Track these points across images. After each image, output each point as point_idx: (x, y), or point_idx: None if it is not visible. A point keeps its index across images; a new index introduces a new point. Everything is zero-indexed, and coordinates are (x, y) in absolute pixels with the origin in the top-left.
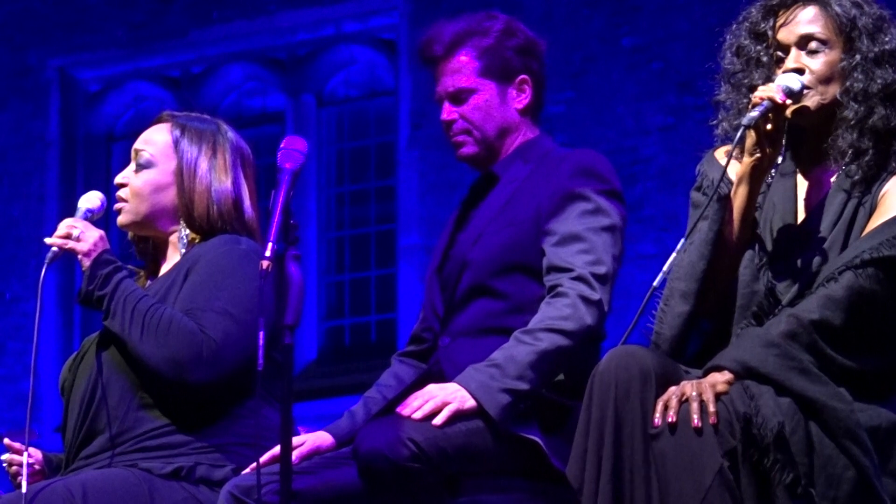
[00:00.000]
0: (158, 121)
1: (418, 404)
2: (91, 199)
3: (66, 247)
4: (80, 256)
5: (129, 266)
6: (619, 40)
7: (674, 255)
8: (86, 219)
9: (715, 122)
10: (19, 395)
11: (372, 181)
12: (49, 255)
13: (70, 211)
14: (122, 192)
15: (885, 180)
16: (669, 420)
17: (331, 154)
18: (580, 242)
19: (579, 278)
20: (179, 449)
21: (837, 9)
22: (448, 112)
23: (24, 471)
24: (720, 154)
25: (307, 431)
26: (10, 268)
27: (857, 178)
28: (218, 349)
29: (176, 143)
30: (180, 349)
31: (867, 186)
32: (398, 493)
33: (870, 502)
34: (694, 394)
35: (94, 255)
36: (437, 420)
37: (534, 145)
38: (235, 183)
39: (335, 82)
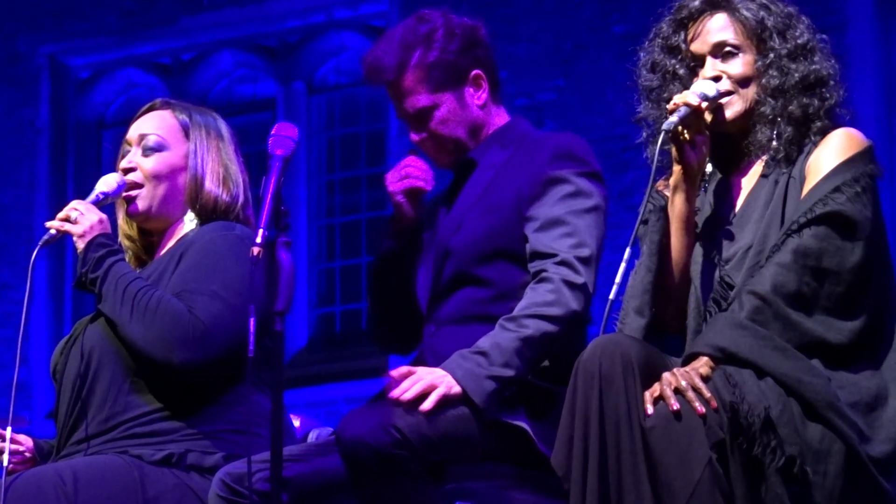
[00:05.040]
0: (152, 108)
1: (407, 386)
2: (108, 182)
3: (63, 229)
4: (75, 238)
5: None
6: (609, 28)
7: (623, 265)
8: (97, 201)
9: (640, 140)
10: (10, 382)
11: (363, 168)
12: (45, 236)
13: (60, 198)
14: (133, 177)
15: (810, 152)
16: (674, 408)
17: (321, 141)
18: (562, 226)
19: (563, 263)
20: (170, 436)
21: (746, 13)
22: (416, 135)
23: (6, 451)
24: (660, 186)
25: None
26: (0, 256)
27: (780, 156)
28: (206, 330)
29: (185, 127)
30: (168, 329)
31: (792, 163)
32: (382, 481)
33: (859, 472)
34: (684, 383)
35: (88, 237)
36: (426, 405)
37: (510, 129)
38: (241, 169)
39: (326, 69)
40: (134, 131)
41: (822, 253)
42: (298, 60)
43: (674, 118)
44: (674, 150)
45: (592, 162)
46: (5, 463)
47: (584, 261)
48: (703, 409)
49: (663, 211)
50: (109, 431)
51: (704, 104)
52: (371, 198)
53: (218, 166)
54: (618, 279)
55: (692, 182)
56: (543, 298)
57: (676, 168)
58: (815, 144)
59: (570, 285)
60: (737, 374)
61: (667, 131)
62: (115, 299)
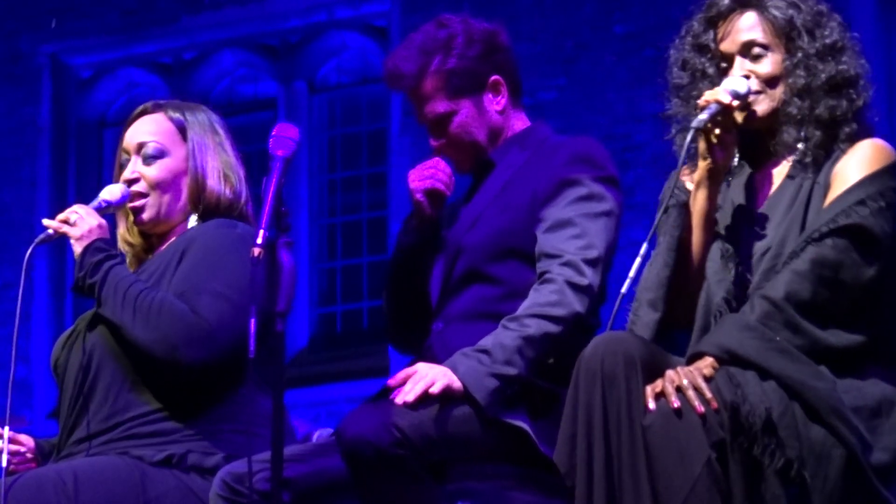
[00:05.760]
0: (144, 112)
1: (408, 388)
2: (112, 191)
3: (61, 230)
4: (72, 242)
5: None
6: (611, 27)
7: (638, 259)
8: (99, 208)
9: (669, 136)
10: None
11: (364, 168)
12: (42, 235)
13: (61, 197)
14: (138, 187)
15: (837, 159)
16: (674, 406)
17: (322, 141)
18: (571, 228)
19: (568, 264)
20: (171, 436)
21: (775, 12)
22: (435, 141)
23: (5, 451)
24: (684, 175)
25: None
26: (1, 254)
27: (807, 160)
28: (211, 330)
29: (181, 127)
30: (172, 330)
31: (818, 167)
32: (383, 480)
33: (859, 479)
34: (686, 382)
35: (86, 241)
36: (434, 389)
37: (531, 132)
38: (239, 163)
39: (327, 69)
40: (131, 139)
41: (839, 265)
42: (299, 60)
43: (704, 115)
44: (701, 146)
45: (609, 167)
46: (4, 463)
47: (591, 262)
48: (703, 409)
49: (685, 206)
50: (110, 430)
51: (735, 102)
52: (372, 197)
53: (218, 163)
54: (632, 273)
55: (716, 180)
56: (546, 299)
57: (702, 164)
58: (843, 152)
59: (574, 286)
60: (740, 374)
61: (696, 129)
62: (116, 303)
